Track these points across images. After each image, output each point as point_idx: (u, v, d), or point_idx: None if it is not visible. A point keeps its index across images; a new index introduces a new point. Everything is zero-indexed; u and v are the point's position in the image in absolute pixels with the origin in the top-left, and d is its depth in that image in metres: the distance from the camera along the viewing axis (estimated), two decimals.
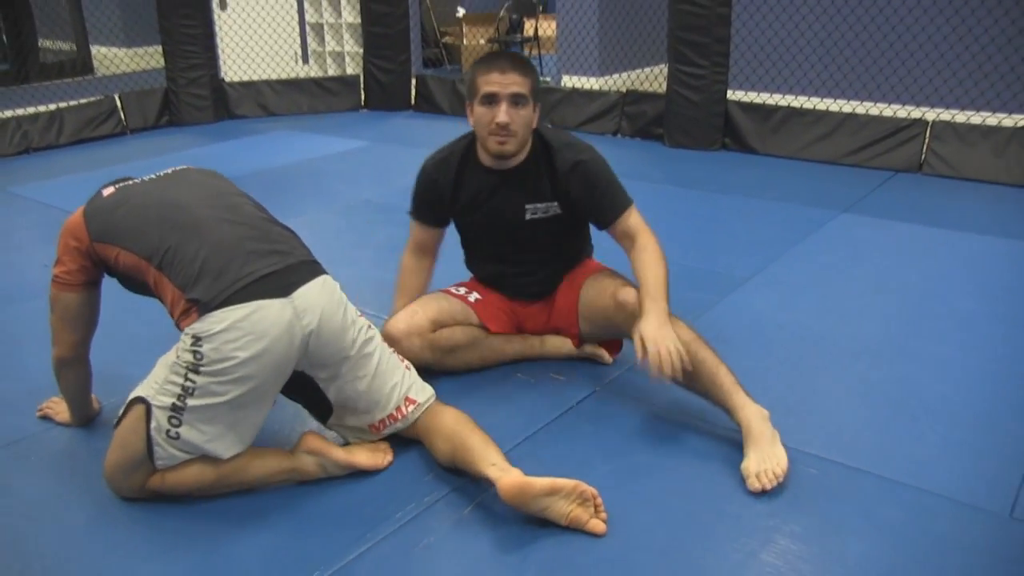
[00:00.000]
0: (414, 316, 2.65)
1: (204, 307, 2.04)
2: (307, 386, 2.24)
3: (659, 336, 2.31)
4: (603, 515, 2.04)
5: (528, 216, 2.66)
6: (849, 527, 2.03)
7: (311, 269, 2.21)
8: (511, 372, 2.78)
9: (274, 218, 2.34)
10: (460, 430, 2.22)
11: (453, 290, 2.82)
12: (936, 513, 2.08)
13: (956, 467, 2.26)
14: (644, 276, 2.48)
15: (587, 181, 2.59)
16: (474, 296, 2.78)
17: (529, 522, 2.04)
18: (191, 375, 2.04)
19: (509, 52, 2.61)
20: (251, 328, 2.02)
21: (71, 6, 8.59)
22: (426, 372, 2.74)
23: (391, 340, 2.59)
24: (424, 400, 2.33)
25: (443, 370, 2.72)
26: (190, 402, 2.05)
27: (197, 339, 2.02)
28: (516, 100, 2.48)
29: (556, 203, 2.65)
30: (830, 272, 3.62)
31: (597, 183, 2.59)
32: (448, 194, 2.70)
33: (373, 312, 3.19)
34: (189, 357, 2.03)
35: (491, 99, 2.48)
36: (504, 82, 2.46)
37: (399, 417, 2.30)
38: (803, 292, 3.40)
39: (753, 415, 2.28)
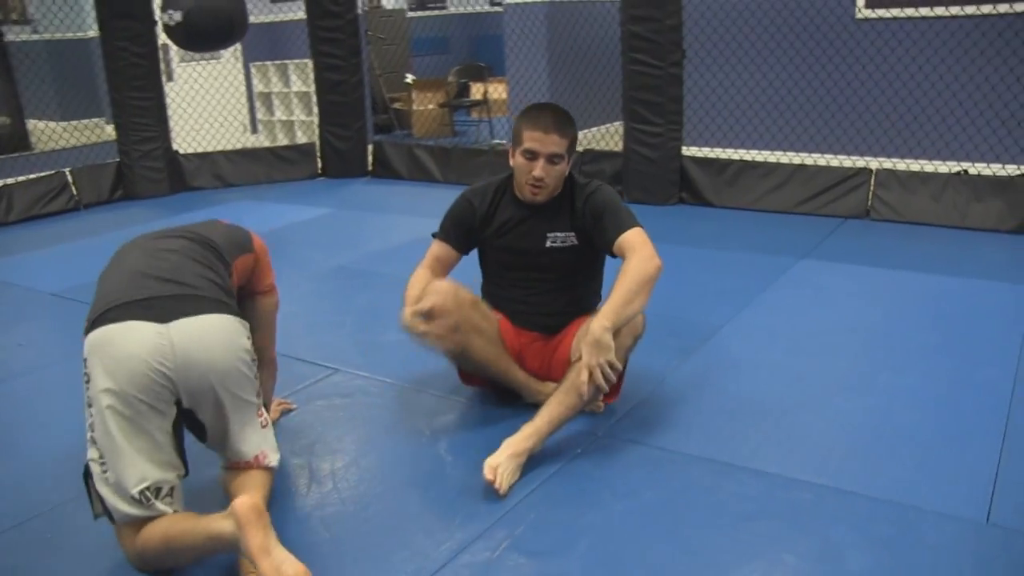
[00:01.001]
0: (459, 285, 2.82)
1: (89, 328, 2.15)
2: (191, 421, 2.25)
3: (594, 361, 2.51)
4: None
5: (548, 243, 2.90)
6: (848, 544, 2.19)
7: (210, 307, 2.22)
8: (515, 421, 2.86)
9: (210, 265, 2.39)
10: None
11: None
12: (923, 525, 2.26)
13: (934, 483, 2.45)
14: (615, 284, 2.63)
15: (597, 206, 2.83)
16: (498, 315, 2.96)
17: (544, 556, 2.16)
18: (91, 410, 2.12)
19: (554, 108, 2.83)
20: (117, 345, 2.09)
21: (4, 79, 8.46)
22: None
23: (435, 291, 2.74)
24: (276, 462, 2.35)
25: (458, 346, 2.79)
26: (98, 437, 2.11)
27: (84, 362, 2.14)
28: (553, 159, 2.77)
29: (573, 234, 2.89)
30: (798, 315, 3.83)
31: (606, 207, 2.82)
32: (481, 220, 2.95)
33: (366, 374, 3.31)
34: (84, 391, 2.14)
35: (531, 155, 2.77)
36: (545, 142, 2.75)
37: (255, 465, 2.30)
38: (776, 335, 3.59)
39: None
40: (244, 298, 2.66)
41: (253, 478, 2.30)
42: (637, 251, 2.66)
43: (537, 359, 2.98)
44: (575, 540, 2.26)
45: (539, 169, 2.76)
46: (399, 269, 4.69)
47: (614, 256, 2.80)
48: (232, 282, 2.49)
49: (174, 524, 2.11)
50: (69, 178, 6.84)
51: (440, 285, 2.77)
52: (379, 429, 2.95)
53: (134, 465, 2.10)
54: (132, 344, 2.09)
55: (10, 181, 6.59)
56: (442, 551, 2.23)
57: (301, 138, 9.46)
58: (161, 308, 2.15)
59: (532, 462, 2.64)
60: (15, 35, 8.66)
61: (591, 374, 2.52)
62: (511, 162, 2.87)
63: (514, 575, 2.13)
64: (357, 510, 2.46)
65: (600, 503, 2.42)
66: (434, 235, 3.03)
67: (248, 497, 2.01)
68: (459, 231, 2.98)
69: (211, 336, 2.18)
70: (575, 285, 2.99)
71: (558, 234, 2.89)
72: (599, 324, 2.53)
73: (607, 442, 2.77)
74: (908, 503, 2.35)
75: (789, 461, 2.59)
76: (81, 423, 2.82)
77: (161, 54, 7.30)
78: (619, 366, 2.58)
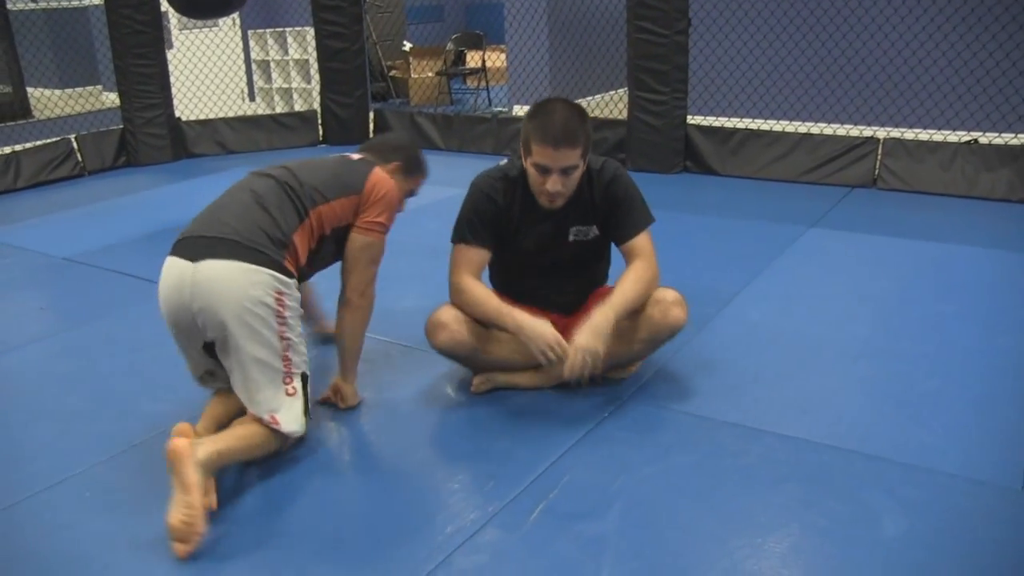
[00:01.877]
0: (454, 310, 2.81)
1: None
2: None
3: (585, 344, 2.56)
4: (189, 546, 2.11)
5: (571, 237, 2.83)
6: (881, 508, 2.23)
7: (243, 254, 2.38)
8: (540, 390, 2.93)
9: (275, 213, 2.51)
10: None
11: None
12: (956, 491, 2.29)
13: (963, 450, 2.48)
14: (616, 288, 2.72)
15: (616, 198, 2.80)
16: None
17: (602, 520, 2.20)
18: None
19: (563, 112, 2.63)
20: (162, 276, 2.44)
21: (5, 47, 8.39)
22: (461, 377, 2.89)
23: (438, 325, 2.76)
24: (290, 431, 2.44)
25: (485, 362, 2.86)
26: None
27: None
28: (566, 171, 2.64)
29: (595, 225, 2.84)
30: (812, 283, 3.86)
31: (623, 201, 2.80)
32: (504, 214, 2.82)
33: (385, 338, 3.33)
34: None
35: (543, 169, 2.64)
36: (556, 157, 2.59)
37: (262, 421, 2.42)
38: (792, 302, 3.63)
39: None
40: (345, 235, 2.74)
41: (243, 427, 2.41)
42: (641, 264, 2.77)
43: (560, 331, 2.94)
44: (610, 503, 2.29)
45: (551, 183, 2.64)
46: (407, 236, 4.74)
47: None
48: (301, 231, 2.56)
49: (210, 408, 2.61)
50: (74, 145, 6.82)
51: (445, 313, 2.79)
52: (405, 393, 2.96)
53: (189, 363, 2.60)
54: (166, 277, 2.43)
55: (17, 148, 6.57)
56: (479, 514, 2.26)
57: (299, 105, 9.42)
58: (198, 247, 2.40)
59: (559, 425, 2.69)
60: (14, 4, 8.59)
61: (575, 355, 2.56)
62: (524, 163, 2.73)
63: (552, 537, 2.16)
64: (390, 474, 2.49)
65: (632, 467, 2.45)
66: (456, 240, 2.83)
67: (180, 441, 2.18)
68: (489, 229, 2.81)
69: (227, 280, 2.35)
70: (594, 269, 2.99)
71: (581, 227, 2.83)
72: (605, 316, 2.61)
73: (633, 406, 2.80)
74: (939, 469, 2.39)
75: (816, 426, 2.63)
76: (105, 386, 2.98)
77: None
78: (600, 358, 2.59)
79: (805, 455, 2.48)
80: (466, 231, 2.81)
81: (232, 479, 2.46)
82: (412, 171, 2.96)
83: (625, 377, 2.96)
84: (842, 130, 5.76)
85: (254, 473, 2.49)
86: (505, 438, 2.63)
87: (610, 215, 2.82)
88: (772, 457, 2.48)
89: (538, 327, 2.62)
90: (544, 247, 2.86)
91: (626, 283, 2.72)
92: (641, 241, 2.80)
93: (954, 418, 2.66)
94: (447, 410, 2.85)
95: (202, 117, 7.76)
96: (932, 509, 2.21)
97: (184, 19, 8.65)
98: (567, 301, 2.96)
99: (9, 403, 3.03)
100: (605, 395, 2.87)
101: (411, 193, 3.00)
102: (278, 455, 2.51)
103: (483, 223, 2.80)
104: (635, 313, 2.77)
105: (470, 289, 2.76)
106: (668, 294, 2.78)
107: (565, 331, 2.92)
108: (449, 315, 2.77)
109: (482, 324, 2.81)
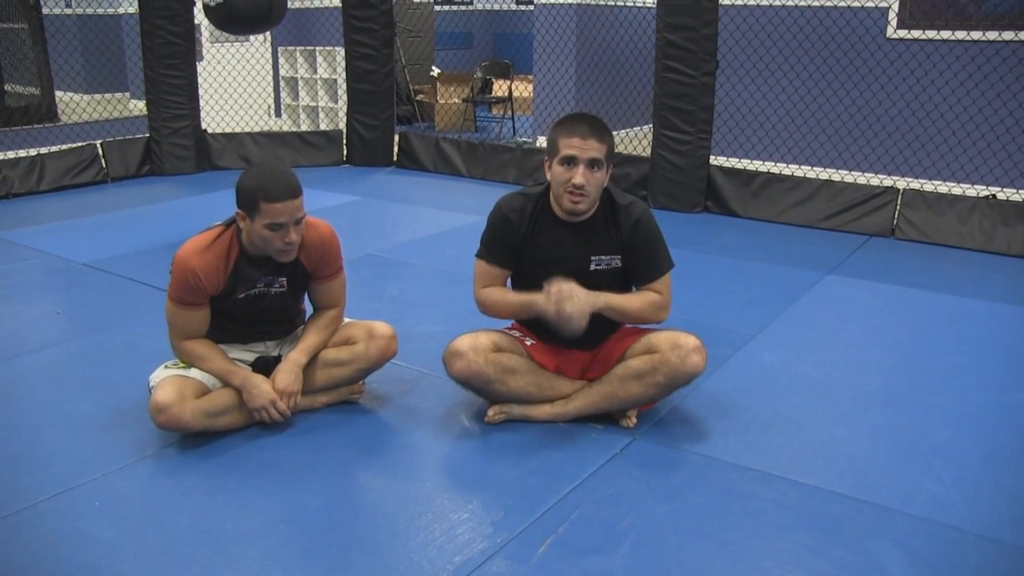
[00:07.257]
0: (478, 336, 2.83)
1: None
2: None
3: (567, 289, 2.67)
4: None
5: (592, 267, 2.85)
6: (890, 559, 2.23)
7: None
8: (554, 423, 2.94)
9: None
10: None
11: (508, 331, 2.99)
12: (964, 546, 2.29)
13: (973, 504, 2.49)
14: (636, 296, 2.85)
15: (644, 240, 2.82)
16: (529, 341, 2.95)
17: (606, 554, 2.21)
18: None
19: (589, 116, 2.78)
20: None
21: (38, 51, 8.51)
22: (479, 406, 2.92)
23: (456, 354, 2.79)
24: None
25: (500, 393, 2.87)
26: None
27: None
28: (593, 164, 2.69)
29: (619, 256, 2.85)
30: (828, 330, 3.87)
31: (649, 243, 2.83)
32: (521, 239, 2.86)
33: (402, 363, 3.34)
34: None
35: (570, 161, 2.69)
36: (584, 147, 2.67)
37: None
38: (807, 348, 3.64)
39: None
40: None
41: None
42: (663, 296, 2.87)
43: (577, 368, 2.97)
44: (619, 539, 2.30)
45: (579, 176, 2.67)
46: (429, 260, 4.79)
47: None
48: None
49: None
50: (99, 151, 6.89)
51: (461, 343, 2.81)
52: (419, 419, 2.98)
53: None
54: None
55: (43, 151, 6.63)
56: (487, 544, 2.27)
57: (324, 124, 9.50)
58: None
59: (572, 459, 2.70)
60: (50, 9, 8.71)
61: (554, 290, 2.66)
62: (547, 175, 2.80)
63: (560, 570, 2.17)
64: (400, 500, 2.49)
65: (642, 504, 2.46)
66: (478, 256, 2.93)
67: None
68: (505, 250, 2.88)
69: None
70: None
71: (603, 257, 2.85)
72: (591, 297, 2.71)
73: (645, 445, 2.81)
74: (947, 523, 2.39)
75: (826, 473, 2.63)
76: (120, 394, 3.03)
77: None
78: (583, 314, 2.68)
79: (815, 502, 2.49)
80: (484, 250, 2.93)
81: (234, 498, 2.48)
82: (246, 206, 2.62)
83: (631, 425, 2.92)
84: (863, 179, 5.79)
85: (259, 492, 2.51)
86: (517, 469, 2.65)
87: (634, 255, 2.84)
88: (782, 502, 2.48)
89: (564, 291, 2.68)
90: (564, 274, 2.81)
91: (634, 297, 2.84)
92: (665, 284, 2.87)
93: (965, 471, 2.66)
94: (460, 438, 2.86)
95: (228, 130, 7.84)
96: (939, 563, 2.22)
97: (216, 33, 8.76)
98: (590, 337, 2.90)
99: (22, 407, 3.06)
100: (618, 433, 2.88)
101: (275, 226, 2.62)
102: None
103: (499, 244, 2.89)
104: (653, 356, 2.78)
105: (489, 295, 2.90)
106: (689, 340, 2.78)
107: (588, 368, 2.98)
108: (466, 344, 2.79)
109: (499, 353, 2.84)
